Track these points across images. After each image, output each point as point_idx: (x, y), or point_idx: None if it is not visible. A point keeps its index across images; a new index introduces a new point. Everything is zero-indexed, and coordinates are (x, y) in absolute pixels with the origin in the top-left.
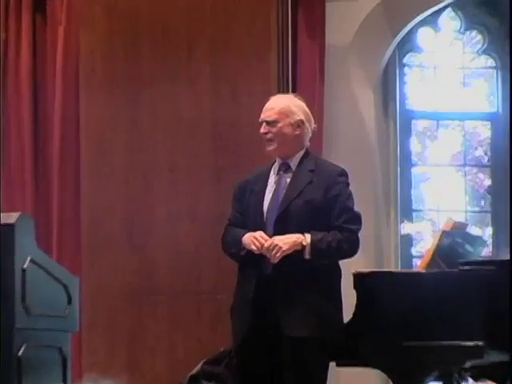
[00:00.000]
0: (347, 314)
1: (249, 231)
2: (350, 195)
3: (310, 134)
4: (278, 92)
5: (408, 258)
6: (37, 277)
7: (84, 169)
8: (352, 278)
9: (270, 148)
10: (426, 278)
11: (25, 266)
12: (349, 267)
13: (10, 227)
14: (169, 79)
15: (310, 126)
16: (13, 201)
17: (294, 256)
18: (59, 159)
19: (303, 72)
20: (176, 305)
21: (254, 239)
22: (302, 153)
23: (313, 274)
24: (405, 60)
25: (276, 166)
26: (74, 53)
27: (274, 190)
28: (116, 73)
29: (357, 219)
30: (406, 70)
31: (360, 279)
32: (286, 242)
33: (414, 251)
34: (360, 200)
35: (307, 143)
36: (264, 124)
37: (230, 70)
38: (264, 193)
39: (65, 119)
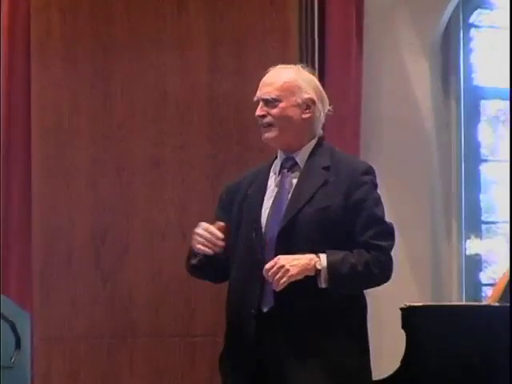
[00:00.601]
0: (381, 363)
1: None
2: (378, 200)
3: (323, 119)
4: (300, 61)
5: (476, 286)
6: None
7: (36, 166)
8: (400, 313)
9: (269, 135)
10: (499, 314)
11: None
12: (395, 299)
13: None
14: (151, 43)
15: (323, 108)
16: None
17: (305, 284)
18: (3, 153)
19: (334, 34)
20: (161, 350)
21: (196, 237)
22: (312, 143)
23: (331, 309)
24: (471, 19)
25: (277, 163)
26: (24, 9)
27: (276, 195)
28: (79, 35)
29: (389, 233)
30: (472, 32)
31: (411, 315)
32: (295, 263)
33: (483, 277)
34: (410, 208)
35: (319, 131)
36: (261, 104)
37: (232, 30)
38: (262, 199)
39: (11, 97)
